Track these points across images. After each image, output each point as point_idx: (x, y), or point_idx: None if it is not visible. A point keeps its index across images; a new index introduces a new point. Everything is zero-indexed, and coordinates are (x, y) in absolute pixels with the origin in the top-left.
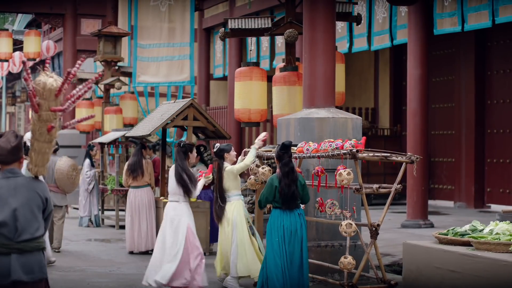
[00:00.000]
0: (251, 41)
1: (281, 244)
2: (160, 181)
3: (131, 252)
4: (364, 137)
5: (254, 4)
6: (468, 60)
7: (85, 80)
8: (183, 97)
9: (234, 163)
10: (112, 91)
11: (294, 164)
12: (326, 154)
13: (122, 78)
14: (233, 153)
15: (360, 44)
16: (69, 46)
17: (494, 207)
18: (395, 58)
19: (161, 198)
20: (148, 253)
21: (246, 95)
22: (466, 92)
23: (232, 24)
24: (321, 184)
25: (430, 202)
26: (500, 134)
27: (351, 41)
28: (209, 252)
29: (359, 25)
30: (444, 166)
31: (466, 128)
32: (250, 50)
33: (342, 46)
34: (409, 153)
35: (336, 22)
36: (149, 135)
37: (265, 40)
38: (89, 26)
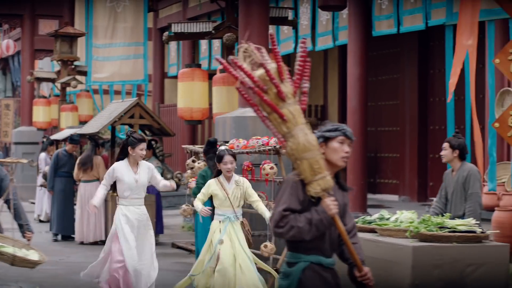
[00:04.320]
0: (201, 43)
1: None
2: None
3: (81, 243)
4: None
5: (205, 6)
6: (411, 59)
7: (43, 79)
8: (137, 95)
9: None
10: (68, 89)
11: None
12: (253, 150)
13: (78, 76)
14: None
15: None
16: (27, 46)
17: None
18: (343, 57)
19: (110, 192)
20: (97, 243)
21: (188, 95)
22: (410, 90)
23: (175, 28)
24: (249, 178)
25: (376, 196)
26: (442, 130)
27: (296, 42)
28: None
29: (304, 27)
30: (389, 162)
31: (409, 125)
32: (193, 53)
33: (288, 47)
34: None
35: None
36: (98, 132)
37: (217, 41)
38: (46, 26)
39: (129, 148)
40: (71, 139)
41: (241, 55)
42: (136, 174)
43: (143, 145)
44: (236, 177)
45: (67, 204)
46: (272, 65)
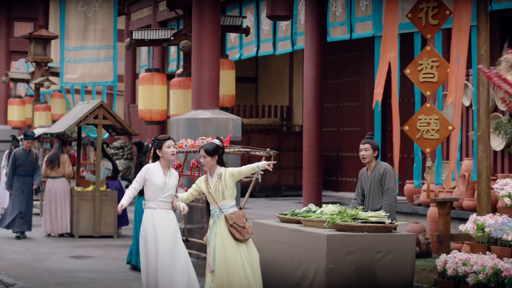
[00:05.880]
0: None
1: None
2: (76, 173)
3: (49, 235)
4: (230, 135)
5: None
6: (371, 62)
7: (18, 80)
8: (109, 95)
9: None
10: (42, 89)
11: (144, 158)
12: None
13: (51, 77)
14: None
15: (266, 49)
16: (3, 48)
17: None
18: None
19: (75, 187)
20: (63, 236)
21: (147, 98)
22: (370, 92)
23: (136, 35)
24: (195, 174)
25: (339, 193)
26: (401, 131)
27: (258, 46)
28: (117, 235)
29: (266, 32)
30: (350, 161)
31: (369, 125)
32: (152, 58)
33: (250, 50)
34: (268, 148)
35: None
36: (64, 132)
37: None
38: (21, 28)
39: (157, 151)
40: (25, 135)
41: (503, 67)
42: (166, 176)
43: (169, 142)
44: (220, 169)
45: (25, 203)
46: None
